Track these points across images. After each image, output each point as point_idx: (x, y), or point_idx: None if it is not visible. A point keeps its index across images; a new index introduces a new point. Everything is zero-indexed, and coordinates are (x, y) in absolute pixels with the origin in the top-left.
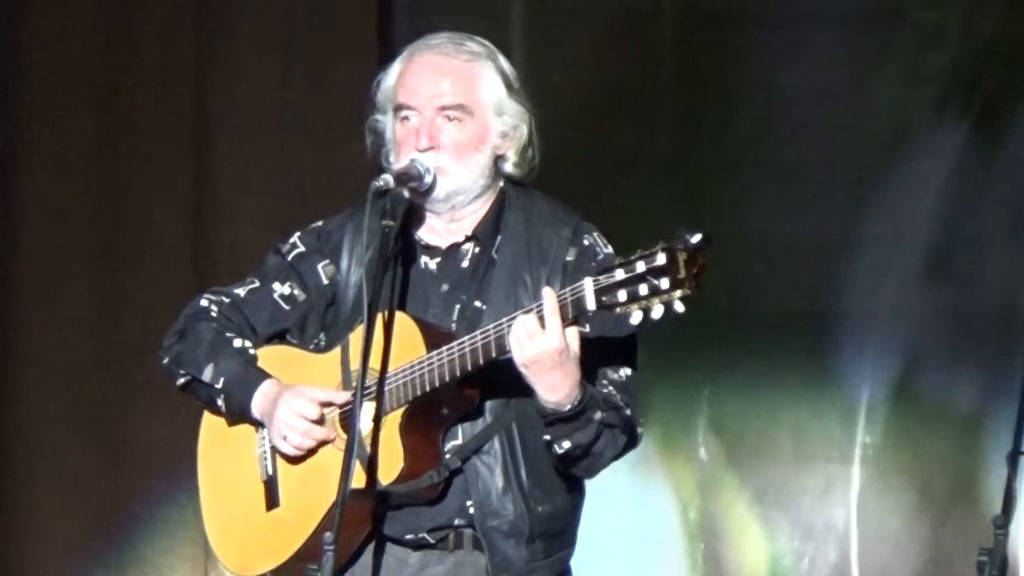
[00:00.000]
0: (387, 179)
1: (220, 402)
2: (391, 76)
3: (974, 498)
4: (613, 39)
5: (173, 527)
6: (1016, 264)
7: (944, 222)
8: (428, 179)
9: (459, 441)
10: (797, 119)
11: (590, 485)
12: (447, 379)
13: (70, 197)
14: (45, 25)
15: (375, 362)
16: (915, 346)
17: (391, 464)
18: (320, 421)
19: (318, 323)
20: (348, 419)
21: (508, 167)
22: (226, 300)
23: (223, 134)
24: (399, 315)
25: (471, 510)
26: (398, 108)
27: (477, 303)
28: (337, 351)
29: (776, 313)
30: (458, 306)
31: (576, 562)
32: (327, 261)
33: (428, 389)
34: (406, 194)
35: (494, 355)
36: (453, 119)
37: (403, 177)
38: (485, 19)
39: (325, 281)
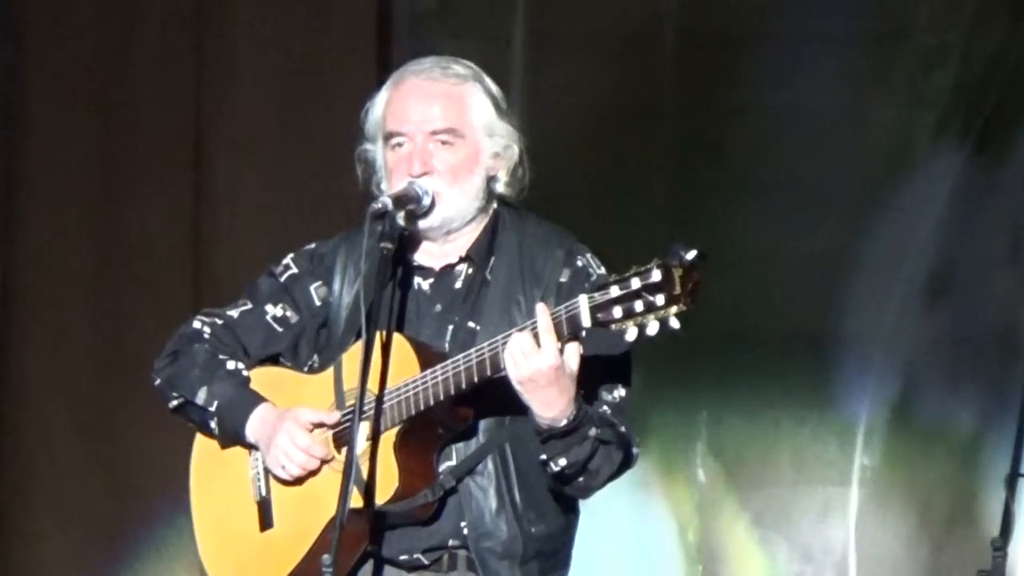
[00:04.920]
0: (385, 202)
1: (213, 425)
2: (379, 105)
3: (973, 520)
4: (614, 61)
5: (170, 547)
6: (1016, 286)
7: (945, 244)
8: (426, 201)
9: (453, 462)
10: (798, 140)
11: (589, 507)
12: (441, 398)
13: (70, 215)
14: (45, 44)
15: (370, 382)
16: (914, 368)
17: (386, 484)
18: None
19: (311, 345)
20: (343, 439)
21: (500, 187)
22: (219, 322)
23: (223, 154)
24: (393, 335)
25: (465, 531)
26: (389, 136)
27: (471, 323)
28: (330, 372)
29: (775, 334)
30: (451, 327)
31: None
32: (320, 283)
33: (422, 408)
34: (400, 222)
35: (488, 373)
36: (445, 143)
37: (402, 200)
38: (486, 42)
39: (318, 303)
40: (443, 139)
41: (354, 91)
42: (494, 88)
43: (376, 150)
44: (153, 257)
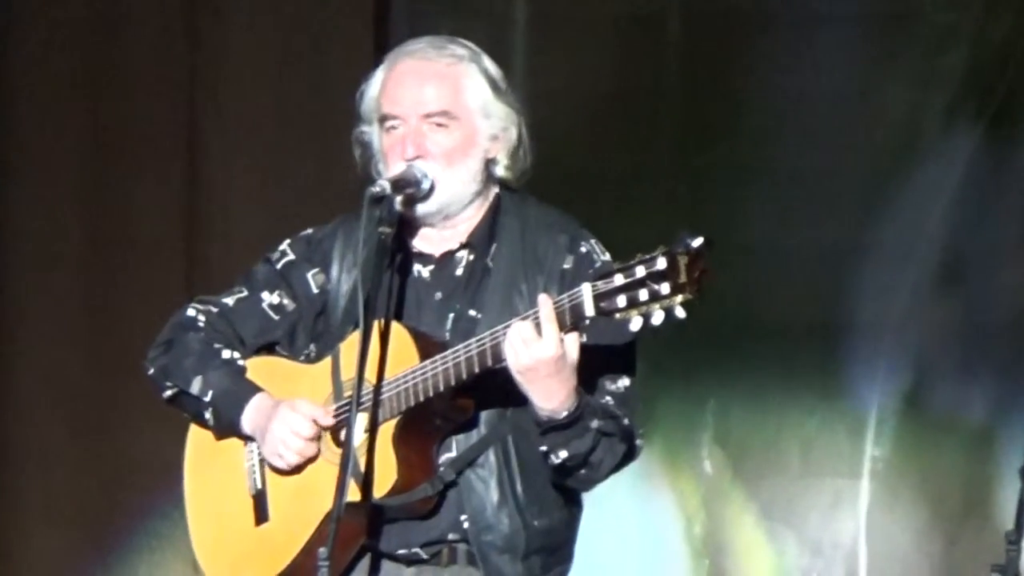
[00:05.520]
0: (383, 185)
1: (208, 416)
2: (374, 86)
3: (986, 513)
4: (617, 43)
5: (164, 541)
6: None
7: (956, 230)
8: (426, 185)
9: (453, 454)
10: (806, 124)
11: (592, 500)
12: (441, 388)
13: (60, 204)
14: (36, 32)
15: (368, 372)
16: (926, 357)
17: (384, 477)
18: (315, 438)
19: (308, 333)
20: (340, 431)
21: (500, 170)
22: (214, 310)
23: (216, 141)
24: (392, 324)
25: (465, 524)
26: (383, 118)
27: (471, 312)
28: (327, 361)
29: (783, 323)
30: (452, 315)
31: None
32: (317, 270)
33: (422, 399)
34: (398, 207)
35: (489, 363)
36: (439, 125)
37: (400, 183)
38: (487, 23)
39: (315, 290)
40: (437, 121)
41: (351, 76)
42: (492, 68)
43: (372, 132)
44: (145, 247)
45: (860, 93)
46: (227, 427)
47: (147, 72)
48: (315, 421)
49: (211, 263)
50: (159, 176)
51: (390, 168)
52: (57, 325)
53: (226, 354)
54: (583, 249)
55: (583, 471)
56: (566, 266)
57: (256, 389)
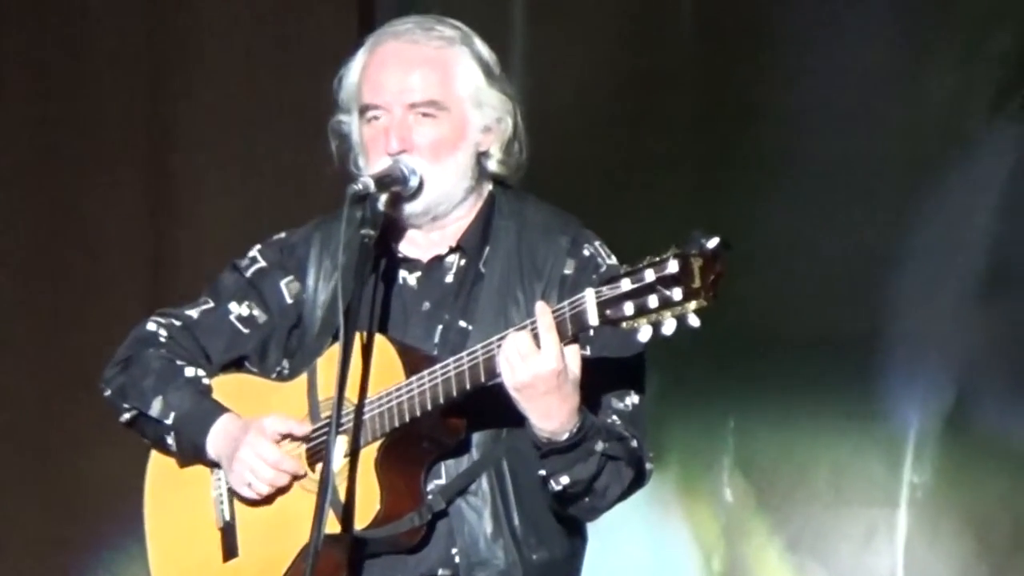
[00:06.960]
0: (366, 183)
1: (170, 440)
2: (354, 71)
3: None
4: (626, 27)
5: (120, 574)
6: None
7: (1003, 232)
8: (413, 182)
9: (443, 480)
10: (837, 112)
11: (601, 530)
12: (429, 408)
13: (7, 205)
14: None
15: (349, 391)
16: (970, 373)
17: (366, 506)
18: (293, 472)
19: (281, 348)
20: (317, 455)
21: (493, 165)
22: (177, 323)
23: (182, 134)
24: (375, 337)
25: (456, 558)
26: (364, 108)
27: (462, 323)
28: (303, 379)
29: (812, 335)
30: (440, 326)
31: None
32: (291, 278)
33: (407, 420)
34: (381, 207)
35: (482, 379)
36: (426, 115)
37: (385, 180)
38: (485, 8)
39: (289, 300)
40: (424, 112)
41: (332, 56)
42: (485, 52)
43: (351, 123)
44: (105, 251)
45: (898, 75)
46: (190, 452)
47: (108, 48)
48: (289, 433)
49: (178, 262)
50: (119, 170)
51: (371, 163)
52: (3, 338)
53: (189, 372)
54: (586, 252)
55: (587, 499)
56: (567, 271)
57: (222, 410)
